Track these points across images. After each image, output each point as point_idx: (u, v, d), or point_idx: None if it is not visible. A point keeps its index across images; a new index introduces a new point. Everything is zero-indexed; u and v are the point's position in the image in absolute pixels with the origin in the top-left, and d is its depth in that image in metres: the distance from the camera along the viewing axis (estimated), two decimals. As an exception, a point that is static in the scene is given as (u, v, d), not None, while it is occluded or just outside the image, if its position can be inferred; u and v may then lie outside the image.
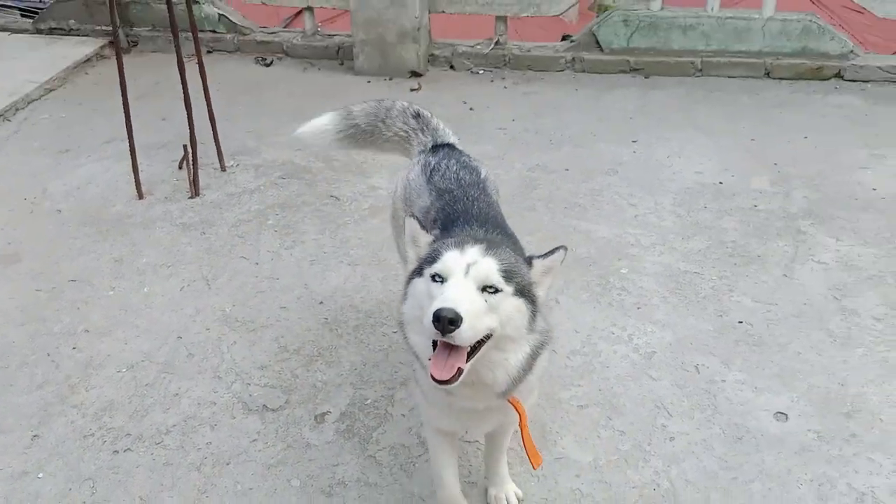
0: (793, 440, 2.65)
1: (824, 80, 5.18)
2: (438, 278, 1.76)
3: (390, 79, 5.63)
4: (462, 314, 1.62)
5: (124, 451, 2.72)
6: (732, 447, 2.64)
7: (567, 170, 4.35)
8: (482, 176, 2.53)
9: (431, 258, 1.82)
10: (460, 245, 1.81)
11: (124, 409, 2.89)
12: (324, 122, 2.91)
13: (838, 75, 5.16)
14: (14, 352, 3.17)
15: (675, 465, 2.59)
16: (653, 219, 3.88)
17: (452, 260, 1.76)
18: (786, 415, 2.75)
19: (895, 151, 4.35)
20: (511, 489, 2.44)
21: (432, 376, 1.70)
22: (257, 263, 3.68)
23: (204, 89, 4.30)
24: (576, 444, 2.66)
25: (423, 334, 1.80)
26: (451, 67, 5.74)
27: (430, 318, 1.63)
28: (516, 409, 1.98)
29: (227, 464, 2.66)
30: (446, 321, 1.61)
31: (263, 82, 5.70)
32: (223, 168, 4.46)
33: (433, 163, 2.54)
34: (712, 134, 4.65)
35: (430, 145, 2.71)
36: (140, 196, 4.20)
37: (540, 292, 1.91)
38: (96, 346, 3.19)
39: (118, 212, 4.12)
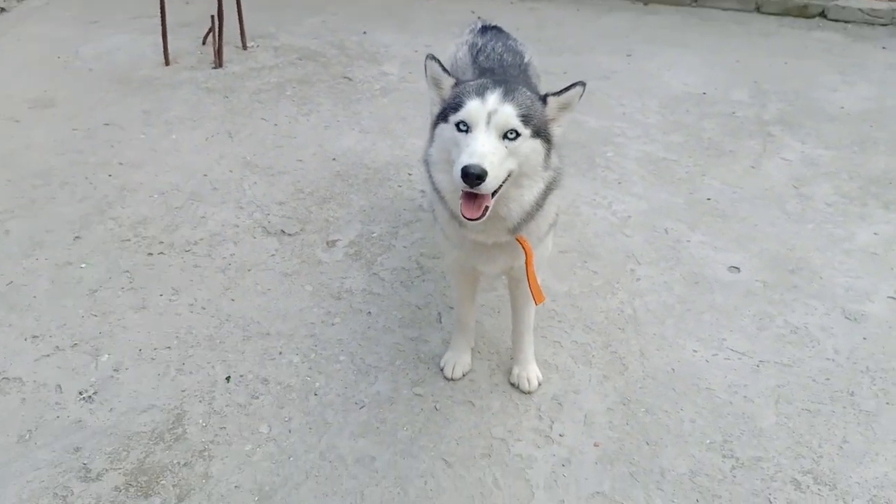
0: (742, 286, 3.05)
1: (809, 17, 5.54)
2: (463, 126, 1.87)
3: (406, -13, 5.92)
4: (487, 168, 1.77)
5: (158, 254, 3.09)
6: (689, 288, 3.04)
7: (565, 73, 4.69)
8: (525, 60, 2.64)
9: (455, 105, 1.91)
10: (481, 92, 1.90)
11: (157, 224, 3.24)
12: None
13: (822, 14, 5.51)
14: (55, 174, 3.51)
15: (638, 297, 2.99)
16: (639, 116, 4.25)
17: (475, 109, 1.86)
18: (738, 268, 3.15)
19: (866, 80, 4.73)
20: (533, 370, 2.56)
21: (463, 215, 1.87)
22: (276, 124, 4.02)
23: (232, -29, 4.59)
24: (554, 278, 3.04)
25: (447, 173, 1.96)
26: (463, -18, 6.03)
27: (459, 173, 1.78)
28: (523, 247, 2.11)
29: (249, 270, 3.03)
30: (474, 177, 1.76)
31: (283, -19, 5.97)
32: (245, 47, 4.76)
33: (480, 43, 2.65)
34: (701, 54, 5.01)
35: (478, 26, 2.82)
36: (167, 63, 4.51)
37: (557, 130, 2.03)
38: (130, 176, 3.53)
39: (146, 74, 4.43)
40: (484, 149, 1.82)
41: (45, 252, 3.03)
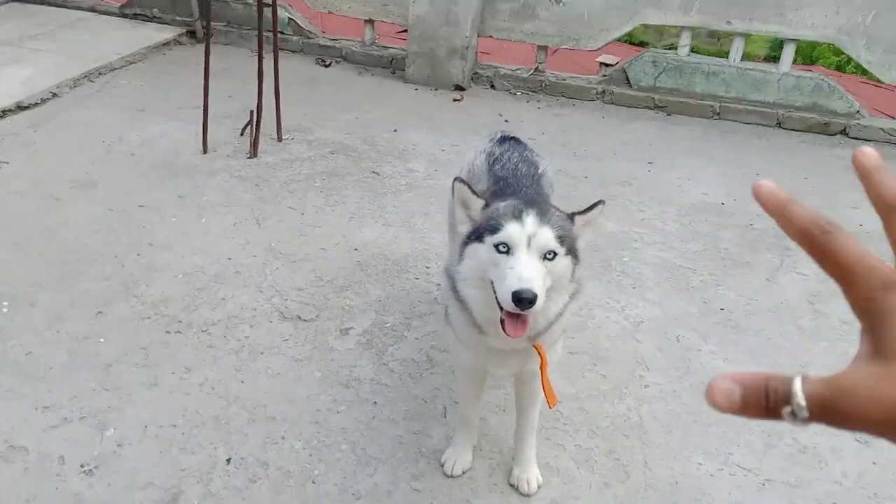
0: (752, 399, 3.01)
1: (831, 135, 5.65)
2: (503, 248, 1.91)
3: (436, 89, 6.19)
4: (537, 293, 1.83)
5: (175, 332, 3.16)
6: (698, 398, 3.01)
7: (586, 177, 4.82)
8: (539, 171, 2.67)
9: (492, 228, 1.94)
10: (518, 215, 1.93)
11: (178, 304, 3.34)
12: None
13: (844, 132, 5.62)
14: (86, 251, 3.65)
15: (646, 405, 2.97)
16: (657, 223, 4.32)
17: (515, 233, 1.90)
18: (749, 380, 3.12)
19: (886, 200, 4.77)
20: (534, 473, 2.55)
21: (508, 334, 1.91)
22: (303, 213, 4.16)
23: (274, 70, 4.84)
24: (563, 380, 3.04)
25: (479, 289, 2.01)
26: (492, 87, 6.29)
27: (510, 297, 1.82)
28: (539, 353, 2.15)
29: (261, 353, 3.09)
30: (527, 302, 1.81)
31: (321, 79, 6.29)
32: (280, 139, 4.98)
33: (497, 153, 2.69)
34: (722, 166, 5.11)
35: (498, 136, 2.89)
36: (205, 151, 4.73)
37: (580, 244, 2.07)
38: (158, 256, 3.66)
39: (185, 161, 4.64)
40: (531, 273, 1.86)
41: (66, 325, 3.13)
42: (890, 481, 2.66)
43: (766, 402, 0.51)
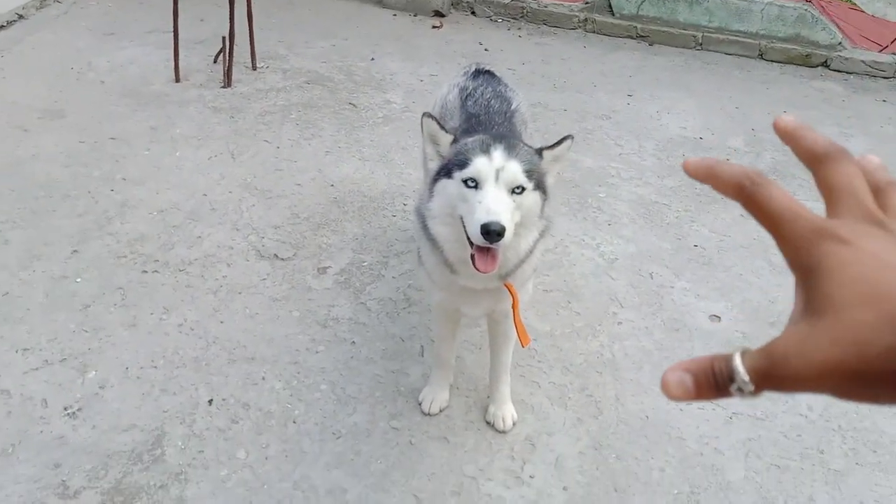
0: (721, 336, 3.10)
1: (812, 66, 5.61)
2: (471, 183, 1.91)
3: (415, 15, 6.03)
4: (505, 225, 1.82)
5: (152, 272, 3.16)
6: (669, 335, 3.09)
7: (565, 110, 4.78)
8: (512, 107, 2.63)
9: (461, 162, 1.94)
10: (486, 149, 1.93)
11: (154, 242, 3.32)
12: None
13: (825, 64, 5.58)
14: (58, 186, 3.59)
15: (618, 341, 3.04)
16: (635, 158, 4.32)
17: (483, 166, 1.89)
18: (719, 317, 3.21)
19: (863, 133, 4.80)
20: (508, 410, 2.61)
21: (478, 269, 1.92)
22: (278, 147, 4.10)
23: (247, -6, 4.68)
24: (537, 317, 3.10)
25: (449, 226, 2.02)
26: (473, 13, 6.14)
27: (478, 230, 1.82)
28: (510, 292, 2.17)
29: (239, 293, 3.10)
30: (495, 234, 1.81)
31: (297, 4, 6.08)
32: (254, 67, 4.85)
33: (470, 88, 2.65)
34: (701, 98, 5.08)
35: (472, 69, 2.80)
36: (177, 79, 4.60)
37: (549, 180, 2.08)
38: (131, 192, 3.61)
39: (156, 90, 4.52)
40: (499, 206, 1.87)
41: (42, 264, 3.11)
42: (854, 414, 2.77)
43: (715, 382, 0.52)
